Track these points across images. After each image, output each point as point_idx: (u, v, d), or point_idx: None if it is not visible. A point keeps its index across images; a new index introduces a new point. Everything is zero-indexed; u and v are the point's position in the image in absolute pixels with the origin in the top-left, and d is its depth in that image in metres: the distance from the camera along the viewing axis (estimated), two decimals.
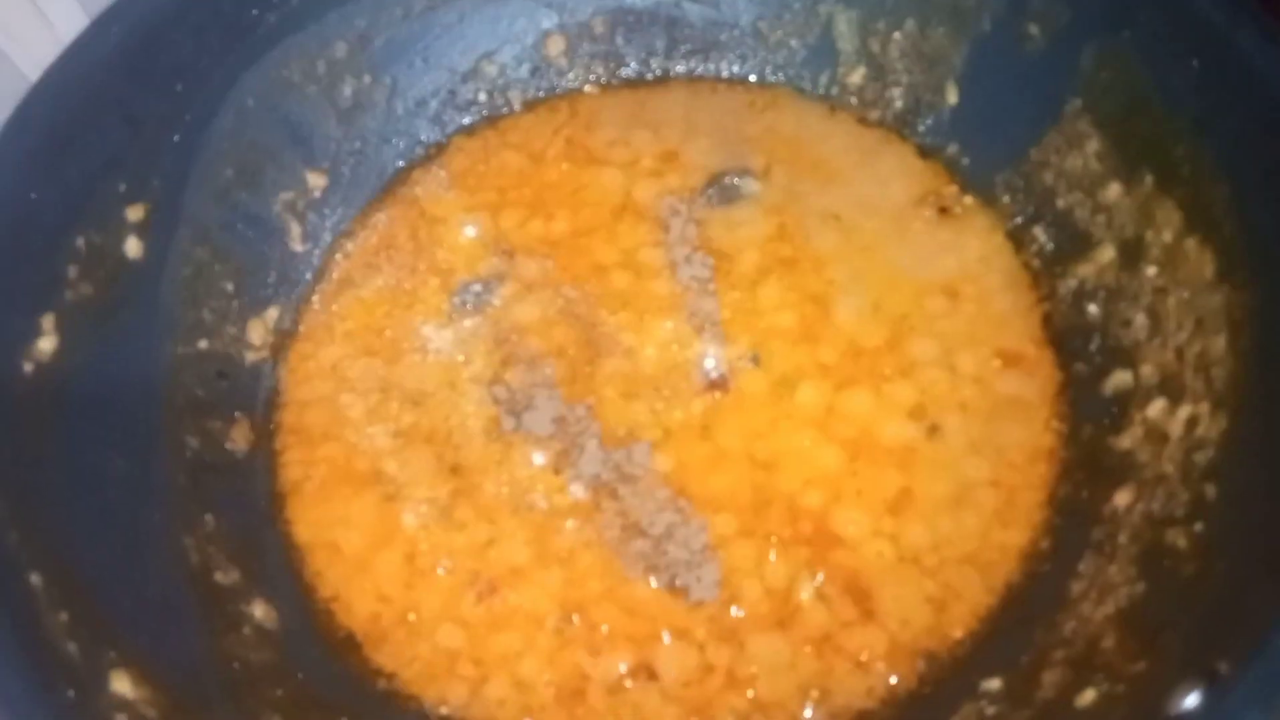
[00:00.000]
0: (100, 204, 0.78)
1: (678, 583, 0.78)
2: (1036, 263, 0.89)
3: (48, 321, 0.73)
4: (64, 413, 0.72)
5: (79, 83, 0.77)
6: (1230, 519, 0.64)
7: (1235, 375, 0.69)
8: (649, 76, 1.04)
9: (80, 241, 0.76)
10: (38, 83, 0.76)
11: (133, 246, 0.80)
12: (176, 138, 0.84)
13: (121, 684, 0.61)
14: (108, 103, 0.78)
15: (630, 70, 1.04)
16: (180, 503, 0.78)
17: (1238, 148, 0.72)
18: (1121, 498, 0.73)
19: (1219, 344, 0.71)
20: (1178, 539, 0.66)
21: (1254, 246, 0.70)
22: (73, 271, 0.75)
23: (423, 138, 1.01)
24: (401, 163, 1.00)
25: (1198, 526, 0.66)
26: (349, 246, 0.96)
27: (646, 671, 0.75)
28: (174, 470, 0.79)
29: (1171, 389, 0.74)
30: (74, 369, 0.73)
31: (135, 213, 0.80)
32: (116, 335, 0.78)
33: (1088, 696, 0.62)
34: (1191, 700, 0.53)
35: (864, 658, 0.74)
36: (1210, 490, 0.66)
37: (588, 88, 1.04)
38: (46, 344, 0.72)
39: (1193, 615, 0.60)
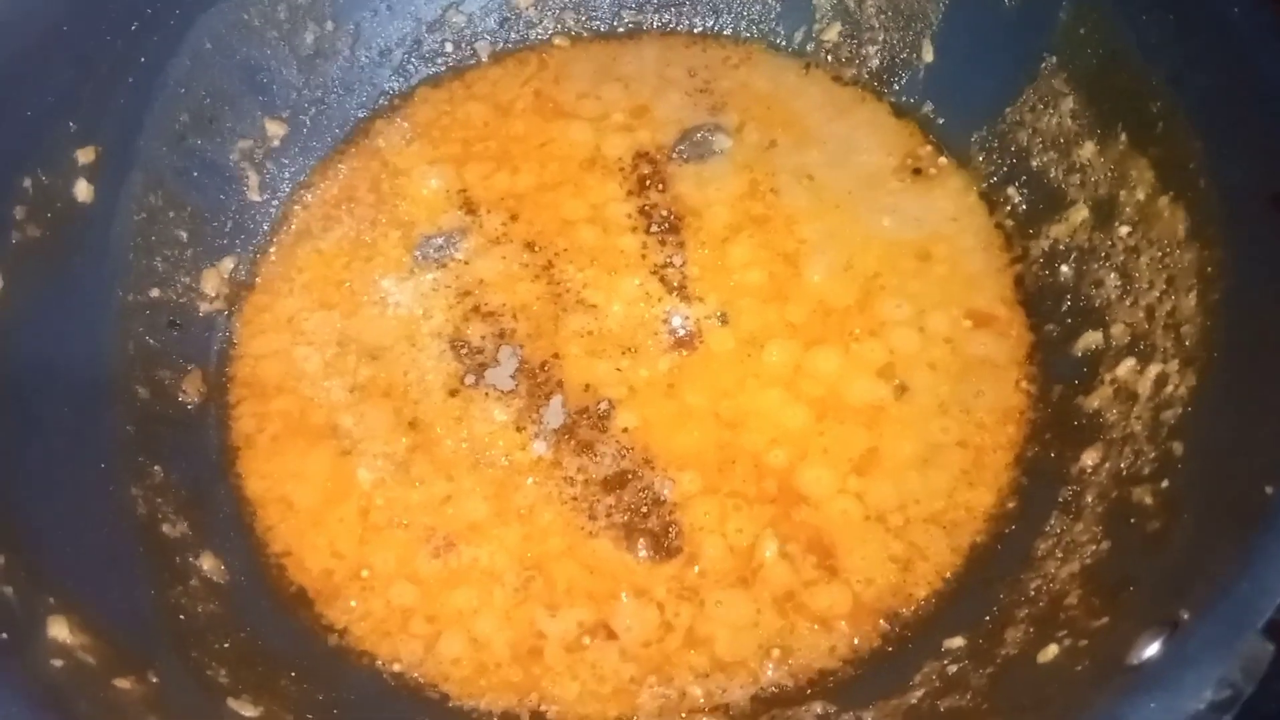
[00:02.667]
0: (49, 145, 0.76)
1: (639, 541, 0.76)
2: (1010, 223, 0.88)
3: None
4: (8, 356, 0.70)
5: (27, 19, 0.75)
6: (1196, 475, 0.63)
7: (1205, 333, 0.68)
8: (620, 30, 1.02)
9: (27, 183, 0.73)
10: None
11: (83, 190, 0.78)
12: (130, 79, 0.82)
13: (59, 629, 0.59)
14: (58, 40, 0.76)
15: (601, 23, 1.03)
16: (128, 453, 0.76)
17: (1212, 104, 0.71)
18: (1089, 457, 0.72)
19: (1189, 302, 0.70)
20: (1144, 496, 0.65)
21: (1226, 204, 0.69)
22: (19, 213, 0.73)
23: (386, 88, 0.99)
24: (364, 113, 0.98)
25: (1164, 483, 0.65)
26: (308, 197, 0.93)
27: (605, 630, 0.74)
28: (122, 420, 0.77)
29: (1141, 348, 0.73)
30: (20, 313, 0.71)
31: (86, 155, 0.78)
32: (65, 280, 0.76)
33: (1050, 652, 0.61)
34: (1152, 649, 0.52)
35: (827, 616, 0.73)
36: (1177, 447, 0.66)
37: (557, 40, 1.02)
38: None
39: (1157, 570, 0.60)
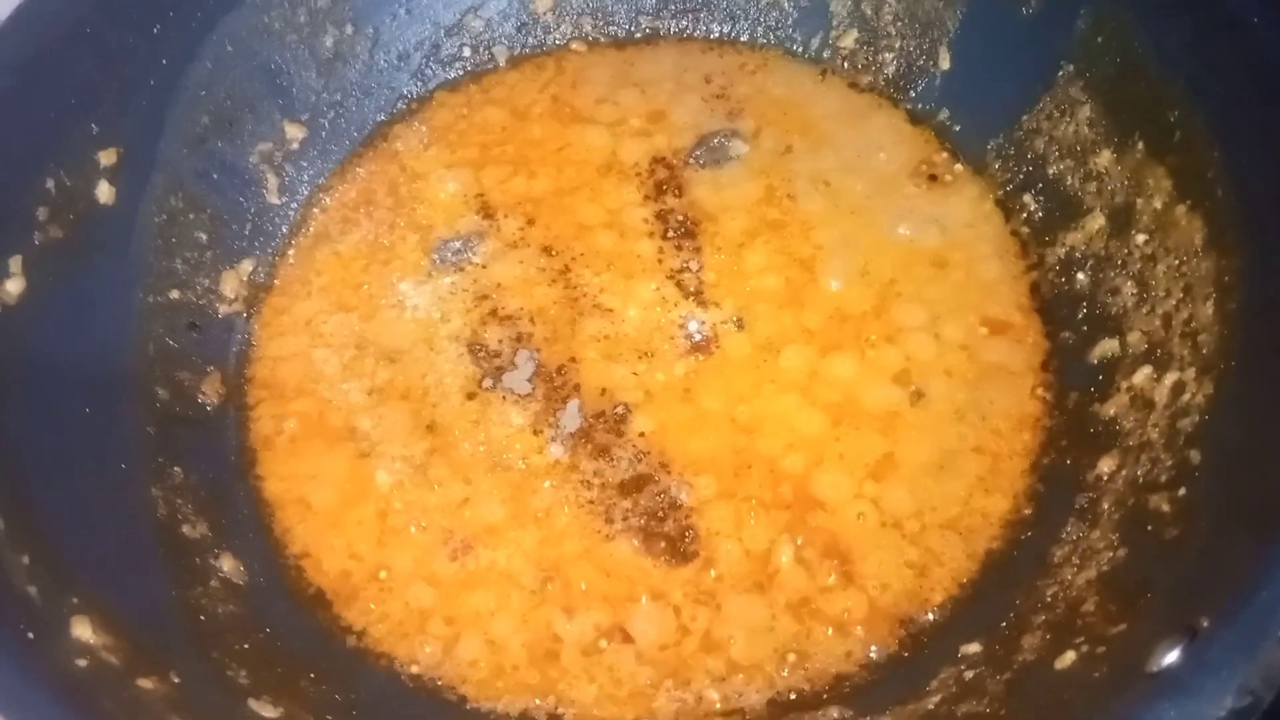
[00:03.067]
0: (71, 145, 0.76)
1: (655, 544, 0.76)
2: (1025, 231, 0.88)
3: (15, 263, 0.71)
4: (29, 357, 0.70)
5: (52, 19, 0.75)
6: (1214, 482, 0.63)
7: (1222, 341, 0.68)
8: (638, 35, 1.03)
9: (50, 183, 0.74)
10: (9, 17, 0.74)
11: (104, 191, 0.78)
12: (152, 81, 0.82)
13: (83, 629, 0.60)
14: (81, 41, 0.76)
15: (619, 29, 1.03)
16: (148, 453, 0.76)
17: (1230, 111, 0.71)
18: (1106, 464, 0.73)
19: (1207, 310, 0.70)
20: (1161, 504, 0.65)
21: (1245, 212, 0.69)
22: (42, 213, 0.73)
23: (405, 92, 0.99)
24: (382, 116, 0.98)
25: (1181, 491, 0.65)
26: (326, 200, 0.94)
27: (622, 633, 0.74)
28: (142, 421, 0.77)
29: (1158, 356, 0.73)
30: (41, 312, 0.72)
31: (107, 156, 0.78)
32: (86, 280, 0.76)
33: (1068, 658, 0.61)
34: (1172, 656, 0.52)
35: (843, 621, 0.73)
36: (1195, 455, 0.66)
37: (575, 45, 1.02)
38: (13, 286, 0.70)
39: (1174, 577, 0.60)
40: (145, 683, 0.60)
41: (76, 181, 0.76)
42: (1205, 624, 0.52)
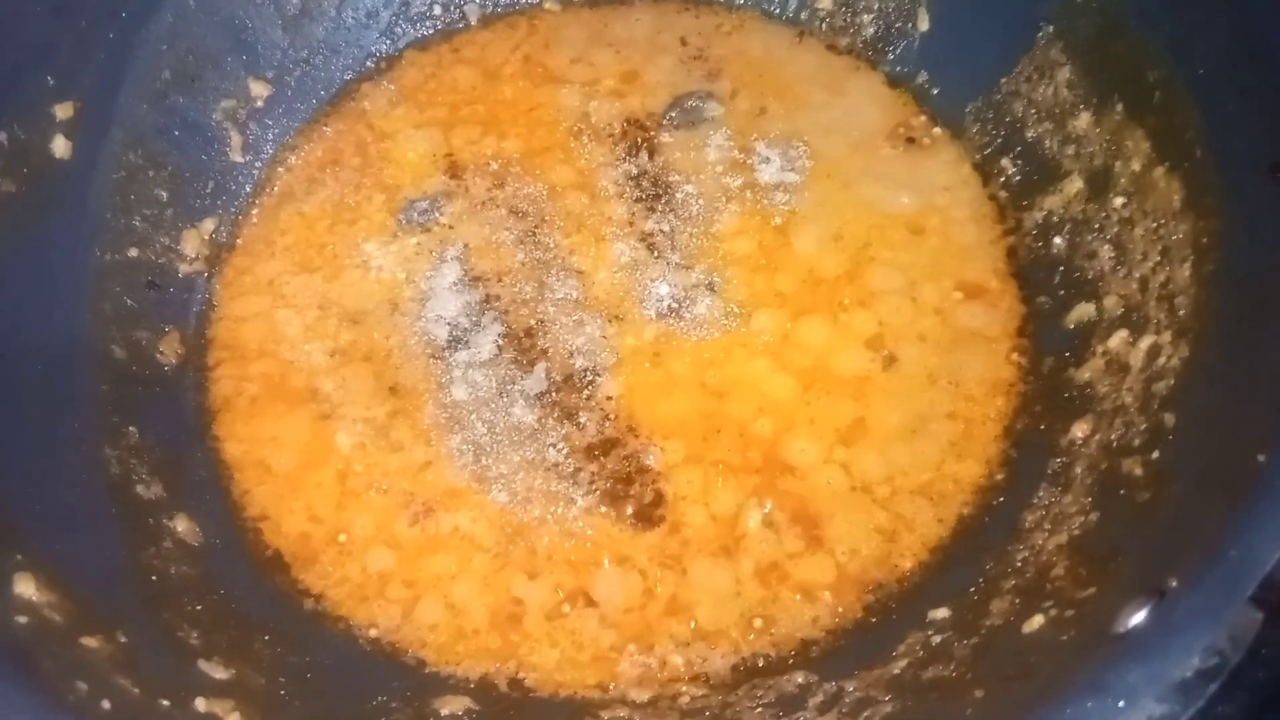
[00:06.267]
0: (25, 98, 0.74)
1: (622, 508, 0.75)
2: (1003, 195, 0.86)
3: None
4: None
5: None
6: (1187, 445, 0.62)
7: (1199, 303, 0.67)
8: None
9: (3, 136, 0.72)
10: None
11: (60, 145, 0.76)
12: (111, 34, 0.80)
13: (25, 586, 0.58)
14: None
15: None
16: (102, 412, 0.74)
17: (1210, 72, 0.70)
18: (1079, 429, 0.71)
19: (1184, 273, 0.69)
20: (1134, 467, 0.64)
21: (1223, 174, 0.68)
22: None
23: (373, 50, 0.97)
24: (350, 75, 0.96)
25: (1154, 454, 0.64)
26: (292, 159, 0.92)
27: (585, 597, 0.73)
28: (97, 379, 0.76)
29: (1134, 320, 0.72)
30: None
31: (64, 110, 0.76)
32: (40, 237, 0.75)
33: (1035, 622, 0.60)
34: (1138, 617, 0.51)
35: (810, 587, 0.72)
36: (1169, 419, 0.65)
37: (548, 4, 1.00)
38: None
39: (1146, 540, 0.59)
40: (90, 641, 0.58)
41: (31, 135, 0.74)
42: (1173, 585, 0.51)
